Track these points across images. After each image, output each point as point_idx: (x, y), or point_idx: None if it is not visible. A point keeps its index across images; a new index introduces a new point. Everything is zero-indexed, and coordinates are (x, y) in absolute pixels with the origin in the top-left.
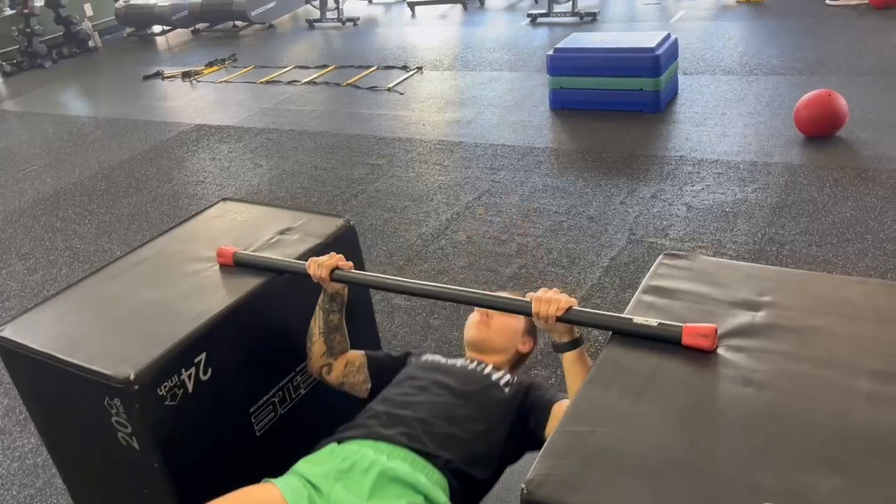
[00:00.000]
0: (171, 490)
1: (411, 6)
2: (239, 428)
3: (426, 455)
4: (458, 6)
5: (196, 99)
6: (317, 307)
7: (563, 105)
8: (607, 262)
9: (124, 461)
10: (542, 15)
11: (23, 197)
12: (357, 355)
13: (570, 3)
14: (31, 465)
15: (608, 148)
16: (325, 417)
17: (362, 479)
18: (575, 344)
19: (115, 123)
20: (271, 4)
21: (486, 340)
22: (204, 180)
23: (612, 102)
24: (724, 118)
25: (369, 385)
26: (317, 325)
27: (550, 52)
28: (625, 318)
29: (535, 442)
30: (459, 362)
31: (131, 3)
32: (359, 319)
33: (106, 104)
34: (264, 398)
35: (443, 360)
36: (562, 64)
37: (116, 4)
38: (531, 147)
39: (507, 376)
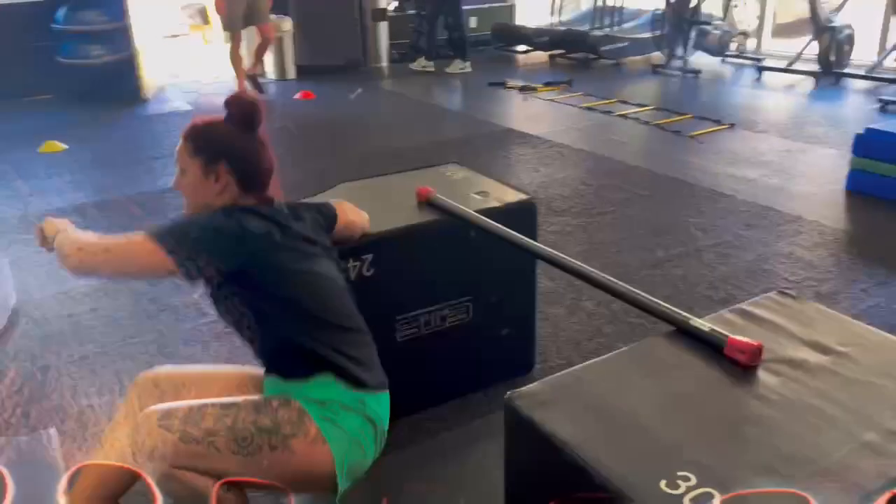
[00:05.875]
0: None
1: (760, 70)
2: (383, 328)
3: None
4: (811, 79)
5: (520, 109)
6: None
7: (861, 189)
8: None
9: None
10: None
11: (367, 146)
12: None
13: None
14: None
15: (882, 237)
16: (456, 353)
17: None
18: None
19: (451, 114)
20: (624, 44)
21: None
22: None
23: None
24: None
25: None
26: None
27: (861, 131)
28: (683, 316)
29: None
30: None
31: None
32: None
33: (452, 98)
34: (413, 312)
35: None
36: (870, 145)
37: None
38: (798, 216)
39: None
